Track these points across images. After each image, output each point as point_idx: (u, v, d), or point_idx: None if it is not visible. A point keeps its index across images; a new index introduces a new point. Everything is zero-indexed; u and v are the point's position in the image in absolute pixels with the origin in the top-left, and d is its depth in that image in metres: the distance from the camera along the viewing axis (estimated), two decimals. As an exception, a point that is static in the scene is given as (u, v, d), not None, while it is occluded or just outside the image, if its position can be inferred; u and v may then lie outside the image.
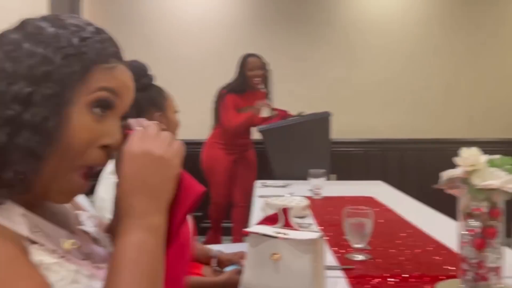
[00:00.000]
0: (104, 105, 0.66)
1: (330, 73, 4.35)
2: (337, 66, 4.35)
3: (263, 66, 3.47)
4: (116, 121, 0.69)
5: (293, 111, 3.44)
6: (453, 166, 1.10)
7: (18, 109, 0.60)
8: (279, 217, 1.20)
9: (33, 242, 0.61)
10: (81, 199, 1.51)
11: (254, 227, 1.23)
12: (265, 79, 3.49)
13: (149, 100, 1.64)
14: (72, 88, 0.64)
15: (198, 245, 1.95)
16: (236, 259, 1.83)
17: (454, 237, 1.55)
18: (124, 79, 0.70)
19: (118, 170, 0.69)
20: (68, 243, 0.66)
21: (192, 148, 3.99)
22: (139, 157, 0.67)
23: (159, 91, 1.69)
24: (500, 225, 1.02)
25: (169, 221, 0.69)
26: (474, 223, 1.03)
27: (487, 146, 1.06)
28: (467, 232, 1.05)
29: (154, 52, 4.24)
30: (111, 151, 0.69)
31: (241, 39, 4.28)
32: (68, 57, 0.63)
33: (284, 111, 3.41)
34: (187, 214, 0.71)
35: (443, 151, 4.25)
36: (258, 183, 2.82)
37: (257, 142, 3.59)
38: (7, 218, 0.60)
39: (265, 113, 3.31)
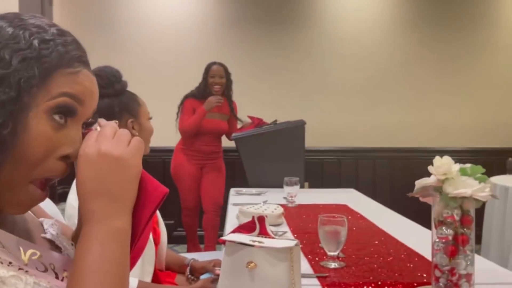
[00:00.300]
0: (65, 112, 0.63)
1: (303, 81, 4.39)
2: (310, 75, 4.40)
3: (225, 75, 3.58)
4: (77, 129, 0.65)
5: (267, 119, 3.46)
6: (423, 174, 1.13)
7: None
8: (256, 225, 1.20)
9: None
10: (47, 205, 1.47)
11: (229, 235, 1.22)
12: (226, 87, 3.59)
13: (122, 106, 1.63)
14: (30, 94, 0.60)
15: (171, 253, 1.92)
16: (210, 267, 1.82)
17: (425, 244, 1.58)
18: (88, 84, 0.66)
19: (76, 174, 0.65)
20: (27, 254, 0.63)
21: (166, 155, 3.97)
22: (95, 159, 0.63)
23: (133, 97, 1.68)
24: (471, 233, 1.04)
25: (133, 223, 0.66)
26: (446, 230, 1.05)
27: (457, 155, 1.08)
28: (439, 240, 1.07)
29: (126, 57, 4.20)
30: (70, 161, 0.65)
31: (214, 46, 4.29)
32: (26, 60, 0.60)
33: (259, 119, 3.42)
34: (152, 215, 0.68)
35: (414, 160, 4.37)
36: (232, 191, 2.81)
37: (231, 150, 3.59)
38: None
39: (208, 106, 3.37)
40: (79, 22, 4.27)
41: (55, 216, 0.86)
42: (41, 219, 0.79)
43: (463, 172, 1.05)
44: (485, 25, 4.49)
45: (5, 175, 0.60)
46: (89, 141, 0.64)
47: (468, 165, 1.06)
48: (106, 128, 0.66)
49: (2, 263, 0.57)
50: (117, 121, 0.69)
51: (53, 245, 0.75)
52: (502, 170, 3.47)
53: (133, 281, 1.42)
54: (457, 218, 1.04)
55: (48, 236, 0.75)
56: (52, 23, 0.66)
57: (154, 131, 1.73)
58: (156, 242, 1.64)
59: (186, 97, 3.58)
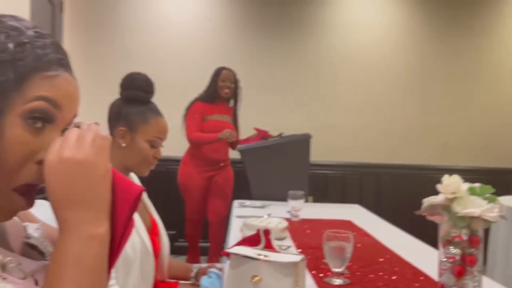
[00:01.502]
0: (42, 117, 0.61)
1: (309, 95, 4.40)
2: (316, 89, 4.41)
3: (234, 80, 3.61)
4: (55, 135, 0.63)
5: (271, 132, 3.46)
6: (427, 191, 1.12)
7: None
8: (261, 239, 1.19)
9: None
10: (37, 209, 1.46)
11: (234, 248, 1.22)
12: (235, 93, 3.63)
13: (126, 111, 1.60)
14: (5, 98, 0.58)
15: (176, 261, 1.91)
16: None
17: (430, 263, 1.56)
18: (67, 88, 0.63)
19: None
20: (4, 262, 0.61)
21: (171, 165, 3.97)
22: (58, 166, 0.60)
23: (143, 111, 1.59)
24: (479, 253, 1.03)
25: (111, 226, 0.63)
26: (454, 250, 1.04)
27: (461, 174, 1.07)
28: (446, 259, 1.06)
29: (135, 63, 4.22)
30: None
31: (222, 54, 4.30)
32: (1, 64, 0.58)
33: (264, 131, 3.42)
34: (130, 216, 0.66)
35: (418, 177, 4.35)
36: (235, 203, 2.80)
37: (235, 162, 3.58)
38: None
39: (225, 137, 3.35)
40: (89, 28, 4.31)
41: (53, 222, 0.84)
42: (25, 223, 0.77)
43: (472, 191, 1.04)
44: (495, 42, 4.50)
45: None
46: (53, 148, 0.61)
47: (477, 185, 1.05)
48: (69, 132, 0.63)
49: None
50: (98, 122, 0.67)
51: (37, 250, 0.72)
52: (507, 190, 3.45)
53: None
54: (465, 238, 1.03)
55: (31, 241, 0.73)
56: (33, 24, 0.64)
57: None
58: (156, 254, 1.62)
59: (195, 100, 3.58)
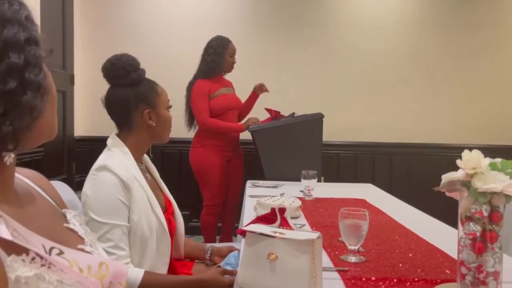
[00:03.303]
0: None
1: (321, 74, 4.35)
2: (328, 68, 4.35)
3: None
4: None
5: (284, 112, 3.43)
6: (440, 170, 1.09)
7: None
8: (277, 217, 1.18)
9: (8, 252, 0.55)
10: (66, 192, 1.48)
11: (250, 226, 1.21)
12: None
13: (139, 96, 1.60)
14: None
15: (191, 241, 1.92)
16: (226, 252, 1.82)
17: (446, 240, 1.55)
18: None
19: None
20: (51, 249, 0.62)
21: (182, 146, 3.96)
22: None
23: (150, 86, 1.64)
24: (500, 230, 1.01)
25: None
26: (474, 226, 1.02)
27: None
28: (466, 236, 1.04)
29: (146, 51, 4.20)
30: None
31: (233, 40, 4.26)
32: None
33: (276, 112, 3.38)
34: None
35: (431, 156, 4.31)
36: (248, 183, 2.79)
37: (247, 143, 3.56)
38: None
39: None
40: (100, 23, 4.28)
41: (71, 203, 0.87)
42: (63, 210, 0.81)
43: (492, 166, 1.02)
44: (506, 23, 4.39)
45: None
46: None
47: (498, 160, 1.03)
48: None
49: (24, 260, 0.56)
50: None
51: (76, 235, 0.76)
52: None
53: (139, 272, 1.43)
54: (485, 214, 1.01)
55: (71, 226, 0.76)
56: None
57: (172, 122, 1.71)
58: (171, 233, 1.63)
59: (195, 78, 3.32)
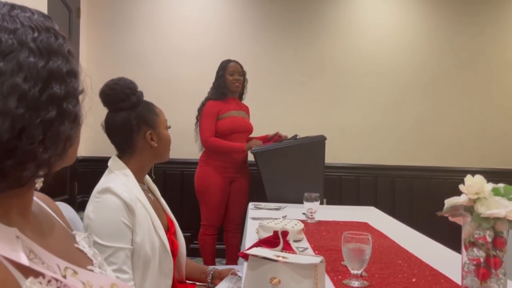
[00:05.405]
0: None
1: (323, 96, 4.38)
2: (329, 90, 4.39)
3: (243, 73, 3.48)
4: None
5: (285, 133, 3.45)
6: (442, 193, 1.09)
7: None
8: (280, 240, 1.18)
9: (26, 275, 0.57)
10: (68, 212, 1.48)
11: (252, 249, 1.21)
12: (242, 86, 3.49)
13: (139, 118, 1.62)
14: None
15: (192, 262, 1.91)
16: (227, 275, 1.81)
17: (449, 265, 1.54)
18: None
19: None
20: (65, 272, 0.64)
21: (185, 167, 3.96)
22: None
23: (149, 107, 1.66)
24: (504, 255, 1.00)
25: None
26: (477, 252, 1.02)
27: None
28: (470, 261, 1.04)
29: (148, 69, 4.25)
30: None
31: (236, 54, 4.30)
32: None
33: (277, 135, 3.42)
34: None
35: (433, 179, 4.30)
36: (250, 205, 2.78)
37: (250, 164, 3.56)
38: (3, 242, 0.56)
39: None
40: (105, 34, 4.34)
41: (71, 220, 0.89)
42: (73, 232, 0.83)
43: (496, 192, 1.02)
44: (510, 44, 4.44)
45: None
46: None
47: (501, 185, 1.03)
48: None
49: (41, 283, 0.58)
50: None
51: (86, 256, 0.78)
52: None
53: None
54: (489, 239, 1.01)
55: (80, 247, 0.79)
56: None
57: (173, 142, 1.74)
58: (174, 254, 1.62)
59: (207, 99, 3.41)
